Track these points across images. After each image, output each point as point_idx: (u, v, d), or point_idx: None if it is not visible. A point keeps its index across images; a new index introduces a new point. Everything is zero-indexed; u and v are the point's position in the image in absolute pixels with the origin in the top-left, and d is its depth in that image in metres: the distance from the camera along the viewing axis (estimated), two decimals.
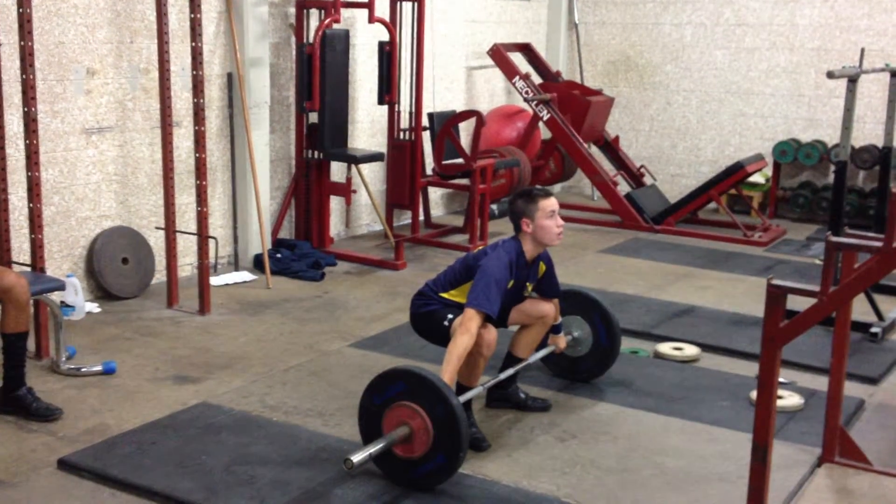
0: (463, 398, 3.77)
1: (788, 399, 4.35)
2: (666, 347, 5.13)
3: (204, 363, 4.78)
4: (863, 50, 5.90)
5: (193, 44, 5.39)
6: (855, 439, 3.83)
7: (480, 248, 4.49)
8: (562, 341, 4.46)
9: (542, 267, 4.20)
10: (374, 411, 3.56)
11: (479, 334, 3.78)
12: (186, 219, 6.10)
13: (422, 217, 7.92)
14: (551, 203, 3.98)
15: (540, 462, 3.80)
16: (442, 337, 3.91)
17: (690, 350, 5.10)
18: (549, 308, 4.24)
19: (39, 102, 4.87)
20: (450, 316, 3.91)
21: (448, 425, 3.40)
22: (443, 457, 3.44)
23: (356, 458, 3.34)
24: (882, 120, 7.10)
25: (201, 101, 5.46)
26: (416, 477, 3.50)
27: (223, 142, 6.49)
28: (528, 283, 4.13)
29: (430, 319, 4.01)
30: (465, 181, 7.58)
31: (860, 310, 5.30)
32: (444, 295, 4.02)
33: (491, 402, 4.34)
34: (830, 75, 5.39)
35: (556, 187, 9.84)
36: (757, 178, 8.86)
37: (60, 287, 4.63)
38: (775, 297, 3.04)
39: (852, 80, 5.49)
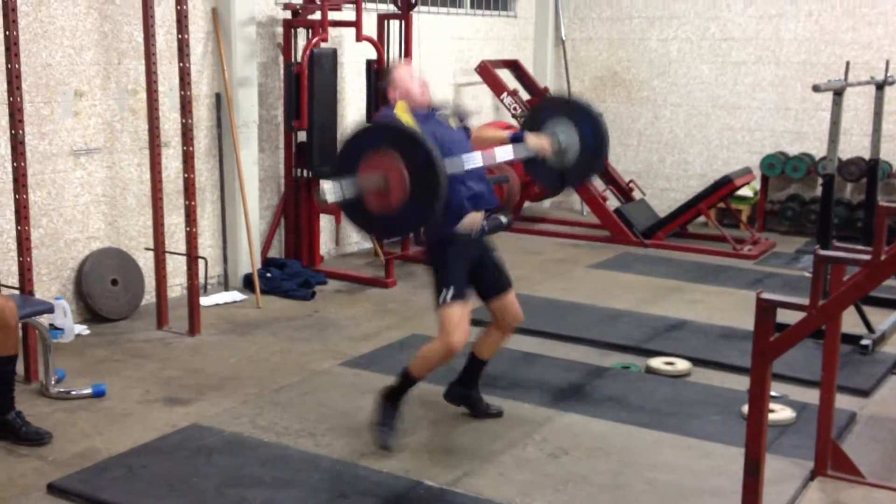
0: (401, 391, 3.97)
1: (780, 413, 4.35)
2: (657, 362, 5.13)
3: (194, 384, 4.76)
4: (848, 63, 5.94)
5: (181, 64, 5.39)
6: (847, 452, 3.83)
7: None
8: (545, 141, 4.24)
9: (453, 122, 4.12)
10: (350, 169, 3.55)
11: (452, 346, 3.85)
12: (176, 239, 6.09)
13: (411, 234, 7.91)
14: (404, 70, 4.05)
15: (532, 479, 3.79)
16: (435, 295, 3.93)
17: (682, 364, 5.10)
18: (521, 318, 4.23)
19: (27, 125, 4.86)
20: (451, 293, 3.87)
21: (424, 168, 3.40)
22: (418, 206, 3.44)
23: (329, 194, 3.39)
24: (868, 132, 7.13)
25: (190, 121, 5.46)
26: (394, 230, 3.52)
27: (212, 161, 6.49)
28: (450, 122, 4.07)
29: (440, 264, 3.96)
30: None
31: (850, 322, 5.31)
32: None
33: (449, 398, 4.40)
34: (816, 89, 5.42)
35: (546, 203, 9.86)
36: (745, 191, 8.89)
37: (49, 310, 4.60)
38: (765, 310, 3.05)
39: (838, 94, 5.53)
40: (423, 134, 3.57)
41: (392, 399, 4.07)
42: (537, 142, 4.21)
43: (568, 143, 4.37)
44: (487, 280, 4.15)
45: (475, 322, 4.12)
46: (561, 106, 4.45)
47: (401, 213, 3.50)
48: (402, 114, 3.93)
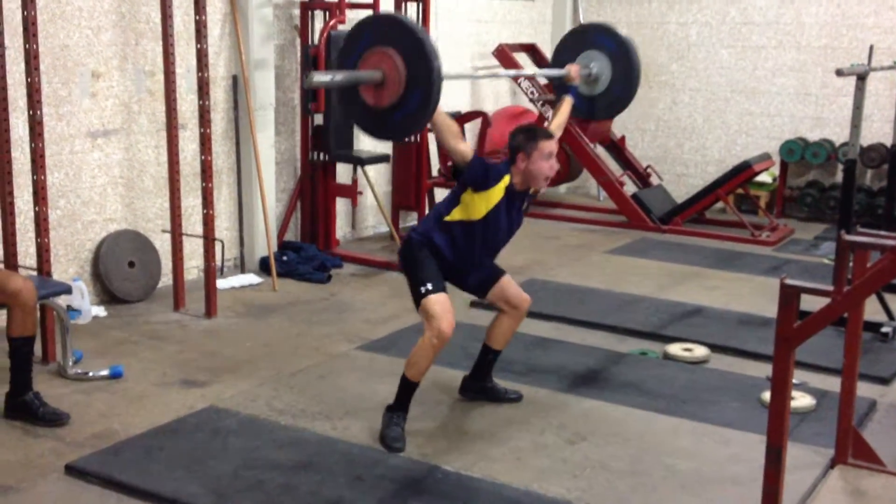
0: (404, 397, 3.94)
1: (800, 400, 4.32)
2: (675, 348, 5.09)
3: (211, 367, 4.76)
4: (872, 47, 5.86)
5: (198, 46, 5.37)
6: (868, 440, 3.79)
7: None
8: (574, 69, 4.46)
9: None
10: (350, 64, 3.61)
11: (442, 332, 3.81)
12: (192, 222, 6.08)
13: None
14: (550, 145, 3.99)
15: (550, 465, 3.77)
16: (413, 294, 3.95)
17: (700, 351, 5.07)
18: (526, 298, 4.22)
19: (44, 105, 4.85)
20: (429, 286, 3.88)
21: (418, 56, 3.43)
22: (418, 94, 3.46)
23: (318, 76, 3.43)
24: (890, 118, 7.07)
25: (207, 103, 5.44)
26: (390, 125, 3.55)
27: (228, 144, 6.47)
28: (514, 218, 4.10)
29: (412, 267, 3.99)
30: None
31: (870, 309, 5.26)
32: (448, 219, 4.00)
33: (465, 393, 4.37)
34: (840, 73, 5.35)
35: (562, 188, 9.81)
36: (764, 177, 8.81)
37: (67, 291, 4.61)
38: (789, 296, 3.01)
39: (861, 78, 5.45)
40: (425, 33, 3.59)
41: (396, 407, 4.00)
42: (568, 67, 4.45)
43: (599, 72, 4.47)
44: (477, 275, 4.15)
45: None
46: (595, 36, 4.56)
47: (395, 109, 3.53)
48: (502, 186, 3.95)
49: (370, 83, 3.53)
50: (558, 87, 4.63)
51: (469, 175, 3.91)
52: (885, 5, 8.50)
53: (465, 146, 3.93)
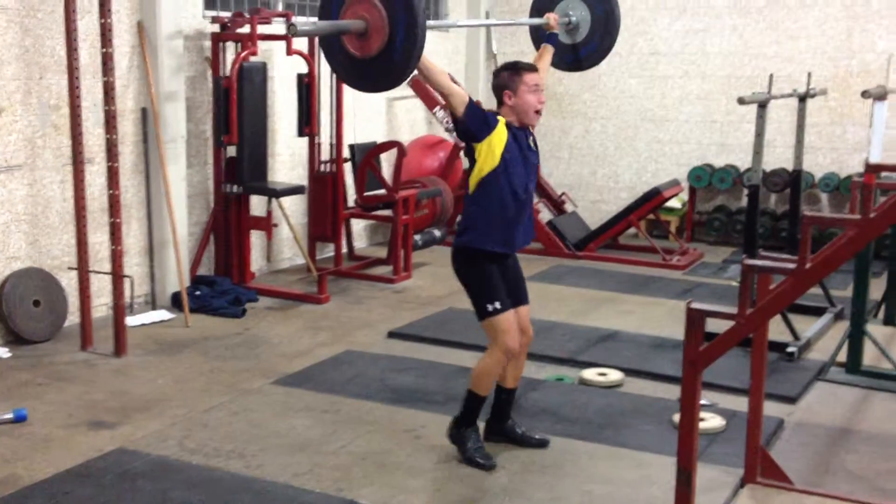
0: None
1: (710, 421, 4.40)
2: (591, 373, 5.15)
3: (120, 407, 4.63)
4: (771, 76, 6.07)
5: (105, 79, 5.27)
6: (776, 459, 3.88)
7: None
8: (553, 17, 4.52)
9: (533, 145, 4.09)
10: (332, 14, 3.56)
11: (511, 348, 3.90)
12: (100, 258, 5.94)
13: (345, 249, 7.86)
14: (535, 77, 3.95)
15: (468, 494, 3.76)
16: (477, 309, 3.95)
17: (614, 375, 5.14)
18: (528, 327, 4.20)
19: None
20: (497, 306, 3.89)
21: (404, 11, 3.39)
22: (402, 41, 3.42)
23: (302, 25, 3.35)
24: (791, 144, 7.31)
25: (114, 136, 5.34)
26: (374, 75, 3.50)
27: (138, 178, 6.35)
28: (529, 154, 4.01)
29: (474, 280, 3.96)
30: (387, 212, 7.56)
31: (776, 330, 5.42)
32: (474, 191, 3.92)
33: (489, 437, 4.23)
34: (741, 101, 5.54)
35: None
36: (674, 202, 9.04)
37: None
38: (694, 320, 3.08)
39: (762, 106, 5.65)
40: None
41: (466, 424, 4.02)
42: (547, 16, 4.51)
43: (579, 20, 4.57)
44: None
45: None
46: None
47: (380, 58, 3.48)
48: (503, 127, 3.89)
49: (354, 32, 3.47)
50: (538, 38, 4.64)
51: (471, 119, 3.81)
52: (785, 35, 8.83)
53: (460, 88, 3.87)
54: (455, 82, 3.93)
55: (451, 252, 4.06)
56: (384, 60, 3.49)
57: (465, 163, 3.96)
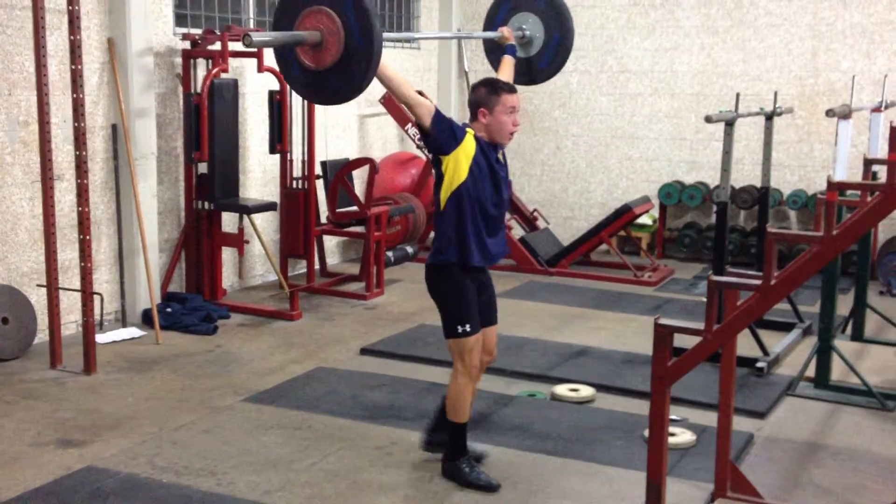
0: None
1: (680, 436, 4.43)
2: (562, 389, 5.17)
3: (90, 425, 4.59)
4: (738, 95, 6.15)
5: (75, 95, 5.25)
6: (745, 473, 3.92)
7: None
8: (507, 30, 4.57)
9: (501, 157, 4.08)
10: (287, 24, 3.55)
11: (474, 367, 3.94)
12: (70, 275, 5.89)
13: (317, 266, 7.84)
14: (513, 99, 3.92)
15: None
16: (447, 327, 3.96)
17: (586, 391, 5.16)
18: (493, 348, 4.21)
19: None
20: (468, 329, 3.91)
21: (359, 22, 3.38)
22: (356, 60, 3.41)
23: (257, 36, 3.34)
24: (759, 161, 7.41)
25: (84, 153, 5.31)
26: (331, 87, 3.50)
27: (108, 194, 6.32)
28: (498, 169, 3.99)
29: (447, 297, 3.96)
30: (360, 229, 7.56)
31: (746, 345, 5.47)
32: (444, 207, 3.90)
33: (429, 447, 4.23)
34: (708, 119, 5.61)
35: None
36: (644, 219, 9.11)
37: None
38: (662, 336, 3.11)
39: (729, 124, 5.72)
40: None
41: (457, 455, 4.00)
42: (500, 29, 4.58)
43: (532, 33, 4.61)
44: (480, 309, 4.06)
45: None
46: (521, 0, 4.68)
47: (335, 70, 3.48)
48: (471, 139, 3.87)
49: (308, 43, 3.45)
50: (494, 51, 4.67)
51: (438, 130, 3.79)
52: (752, 54, 8.95)
53: (425, 98, 3.84)
54: (425, 97, 3.94)
55: (426, 270, 4.04)
56: (341, 70, 3.48)
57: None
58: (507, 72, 4.47)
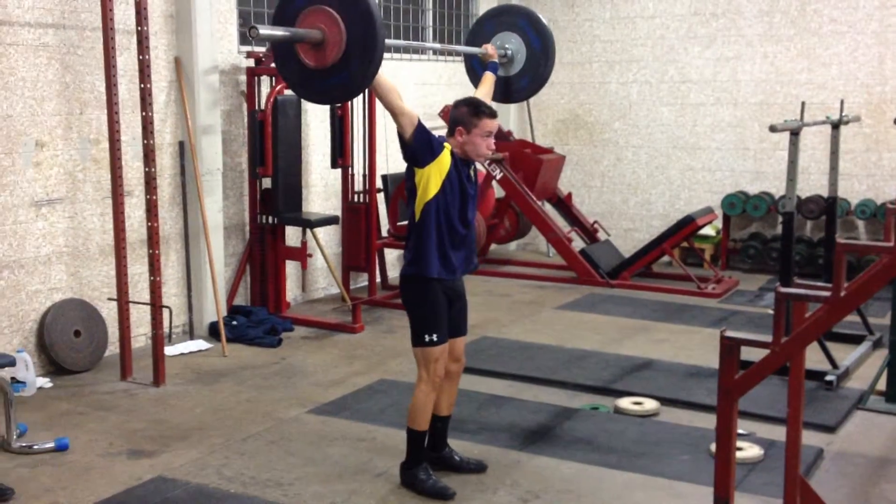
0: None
1: (748, 451, 4.37)
2: (626, 402, 5.13)
3: (159, 436, 4.69)
4: (803, 103, 6.06)
5: (144, 113, 5.39)
6: (815, 489, 3.83)
7: None
8: (490, 47, 4.63)
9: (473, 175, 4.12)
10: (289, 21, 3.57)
11: (438, 378, 3.97)
12: (139, 289, 6.03)
13: (378, 279, 7.91)
14: (492, 124, 3.97)
15: None
16: (414, 335, 4.00)
17: (650, 404, 5.11)
18: (461, 356, 4.23)
19: None
20: (435, 338, 3.94)
21: (363, 25, 3.39)
22: (356, 62, 3.41)
23: (263, 29, 3.38)
24: (826, 171, 7.28)
25: (153, 169, 5.44)
26: (326, 87, 3.49)
27: (176, 210, 6.46)
28: (468, 186, 4.03)
29: (419, 308, 4.00)
30: None
31: (815, 358, 5.37)
32: (420, 218, 3.93)
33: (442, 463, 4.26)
34: (773, 129, 5.53)
35: (512, 245, 9.90)
36: (707, 230, 9.00)
37: (11, 363, 4.53)
38: (729, 349, 3.07)
39: (794, 133, 5.63)
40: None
41: (413, 464, 4.05)
42: (484, 46, 4.65)
43: (514, 52, 4.67)
44: (450, 320, 4.11)
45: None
46: (509, 18, 4.71)
47: (335, 71, 3.51)
48: (447, 154, 3.93)
49: (310, 41, 3.48)
50: (476, 67, 4.74)
51: (418, 143, 3.84)
52: (817, 62, 8.81)
53: (410, 109, 3.88)
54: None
55: (399, 280, 4.11)
56: (340, 72, 3.50)
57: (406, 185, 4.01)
58: (486, 88, 4.55)
